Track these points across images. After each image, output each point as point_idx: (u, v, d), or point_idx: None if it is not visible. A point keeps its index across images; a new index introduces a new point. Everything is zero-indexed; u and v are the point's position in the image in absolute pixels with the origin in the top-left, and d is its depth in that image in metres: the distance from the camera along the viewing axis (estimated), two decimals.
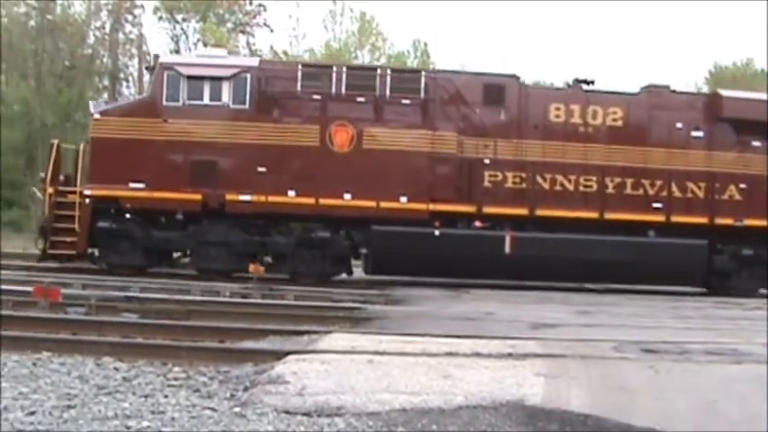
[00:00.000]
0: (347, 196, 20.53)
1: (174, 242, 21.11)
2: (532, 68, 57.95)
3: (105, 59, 44.55)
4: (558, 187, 21.20)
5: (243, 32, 48.69)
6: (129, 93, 41.66)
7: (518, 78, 21.96)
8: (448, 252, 20.51)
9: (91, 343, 10.05)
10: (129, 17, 44.81)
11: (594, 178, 21.30)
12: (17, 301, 13.46)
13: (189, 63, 21.48)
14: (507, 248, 20.79)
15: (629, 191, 21.37)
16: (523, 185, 21.14)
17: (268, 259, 20.97)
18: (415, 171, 20.76)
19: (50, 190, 20.52)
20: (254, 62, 22.30)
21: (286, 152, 20.57)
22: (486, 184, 21.05)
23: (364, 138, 20.72)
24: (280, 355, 9.22)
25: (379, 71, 21.78)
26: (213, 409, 7.08)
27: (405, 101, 20.94)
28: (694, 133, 21.67)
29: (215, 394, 7.96)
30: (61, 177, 21.06)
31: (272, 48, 46.05)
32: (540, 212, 21.05)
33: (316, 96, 20.82)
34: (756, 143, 21.70)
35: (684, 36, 72.28)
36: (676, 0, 65.31)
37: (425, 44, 48.67)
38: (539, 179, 21.14)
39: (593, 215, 21.13)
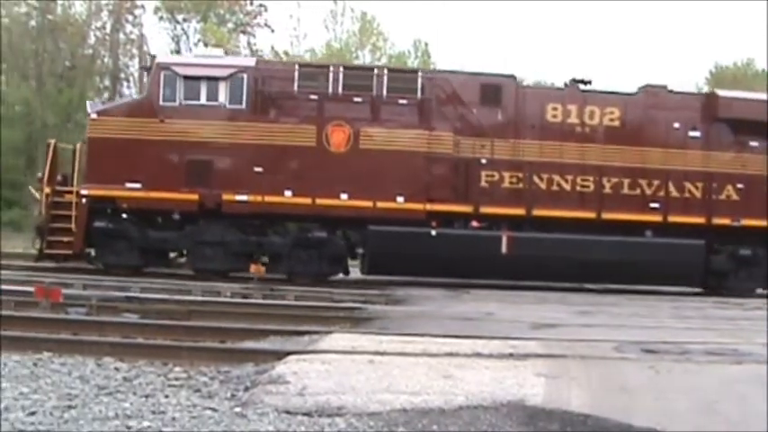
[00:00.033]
0: (344, 196, 20.39)
1: (170, 242, 20.99)
2: (533, 68, 58.32)
3: (106, 60, 44.47)
4: (555, 187, 21.06)
5: (244, 33, 48.60)
6: (129, 93, 41.47)
7: (515, 78, 21.88)
8: (445, 252, 20.38)
9: (92, 343, 10.02)
10: (130, 17, 44.80)
11: (591, 178, 21.16)
12: (18, 302, 13.40)
13: (186, 63, 21.38)
14: (504, 248, 20.66)
15: (626, 191, 21.24)
16: (520, 185, 21.00)
17: (265, 259, 20.84)
18: (412, 171, 20.63)
19: (47, 190, 20.38)
20: (251, 62, 22.22)
21: (283, 152, 20.47)
22: (483, 184, 20.91)
23: (361, 138, 20.59)
24: (280, 356, 9.18)
25: (375, 71, 21.71)
26: (214, 410, 7.06)
27: (401, 101, 20.81)
28: (691, 133, 21.54)
29: (216, 394, 7.93)
30: (59, 177, 20.94)
31: (272, 48, 46.12)
32: (536, 212, 20.91)
33: (312, 96, 20.70)
34: (754, 143, 21.57)
35: (685, 36, 72.39)
36: (677, 0, 64.70)
37: (426, 44, 48.74)
38: (536, 179, 21.01)
39: (591, 215, 21.00)
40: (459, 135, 20.89)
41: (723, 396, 7.75)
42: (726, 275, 21.69)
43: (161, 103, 20.38)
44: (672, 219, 21.19)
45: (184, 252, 21.46)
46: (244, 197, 20.23)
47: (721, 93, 23.01)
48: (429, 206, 20.59)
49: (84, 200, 20.19)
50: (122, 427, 6.37)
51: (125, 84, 43.64)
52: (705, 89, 40.33)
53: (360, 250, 21.21)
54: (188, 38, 46.61)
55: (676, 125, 21.47)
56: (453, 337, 10.73)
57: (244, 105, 20.49)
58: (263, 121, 20.60)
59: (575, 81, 21.90)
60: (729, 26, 73.19)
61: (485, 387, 7.68)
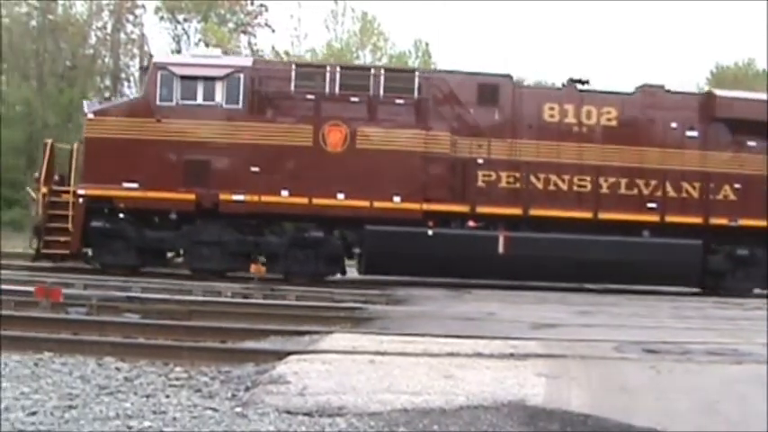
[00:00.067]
0: (340, 196, 20.28)
1: (167, 242, 20.89)
2: (534, 68, 57.96)
3: (107, 59, 44.43)
4: (551, 187, 20.93)
5: (244, 33, 48.52)
6: (130, 93, 41.30)
7: (512, 78, 21.78)
8: (441, 252, 20.28)
9: (92, 343, 9.97)
10: (131, 17, 44.76)
11: (589, 178, 21.03)
12: (19, 301, 13.36)
13: (182, 63, 21.21)
14: (501, 248, 20.53)
15: (623, 191, 21.11)
16: (517, 185, 20.87)
17: (261, 259, 20.67)
18: (409, 171, 20.50)
19: (44, 189, 20.30)
20: (248, 62, 22.08)
21: (279, 152, 20.35)
22: (480, 183, 20.79)
23: (358, 137, 20.47)
24: (281, 356, 9.13)
25: (372, 71, 21.58)
26: (215, 410, 7.02)
27: (398, 101, 20.69)
28: (689, 133, 21.40)
29: (216, 394, 7.89)
30: (56, 177, 20.86)
31: (273, 48, 46.01)
32: (533, 212, 20.79)
33: (309, 96, 20.60)
34: (751, 143, 21.42)
35: (686, 36, 72.00)
36: (679, 0, 64.29)
37: (427, 44, 48.61)
38: (532, 179, 20.89)
39: (587, 215, 20.87)
40: (456, 135, 20.76)
41: (724, 396, 7.70)
42: (723, 275, 21.54)
43: (158, 102, 20.27)
44: (669, 219, 21.05)
45: (181, 252, 21.34)
46: (241, 197, 20.13)
47: (719, 92, 22.87)
48: (426, 206, 20.46)
49: (81, 200, 20.10)
50: (123, 427, 6.35)
51: (126, 84, 43.61)
52: (706, 89, 39.91)
53: (357, 250, 21.08)
54: (189, 38, 46.67)
55: (674, 125, 21.33)
56: (454, 337, 10.68)
57: (240, 105, 20.38)
58: (260, 121, 20.48)
59: (572, 81, 21.75)
60: (730, 26, 73.12)
61: (486, 387, 7.64)
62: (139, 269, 20.54)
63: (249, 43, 47.85)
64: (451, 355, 9.29)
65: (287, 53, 43.80)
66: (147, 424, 6.42)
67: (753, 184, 21.23)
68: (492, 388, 7.61)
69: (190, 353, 9.57)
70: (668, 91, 21.76)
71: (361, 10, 48.07)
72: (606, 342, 10.67)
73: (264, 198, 20.16)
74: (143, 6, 45.22)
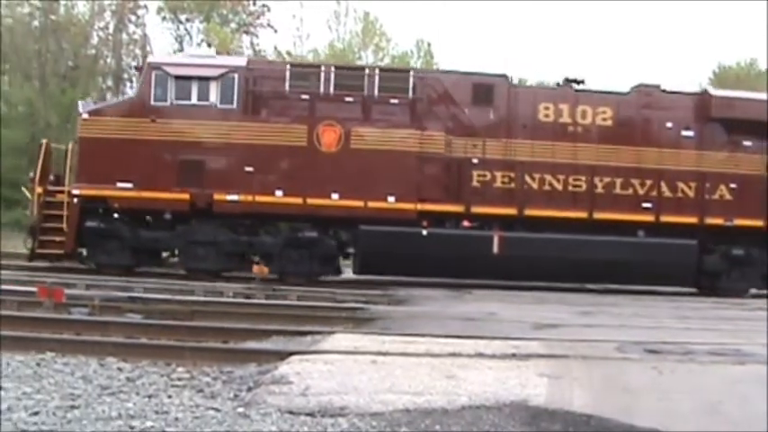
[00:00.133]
0: (335, 196, 19.99)
1: (162, 242, 20.65)
2: (536, 69, 57.40)
3: (109, 60, 44.08)
4: (546, 187, 20.61)
5: (246, 33, 48.23)
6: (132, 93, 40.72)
7: (507, 78, 21.47)
8: (436, 252, 20.00)
9: (94, 343, 9.92)
10: (133, 17, 44.48)
11: (584, 178, 20.70)
12: (21, 302, 13.29)
13: (177, 63, 20.97)
14: (495, 248, 20.22)
15: (618, 191, 20.77)
16: (512, 185, 20.55)
17: (256, 259, 20.39)
18: (403, 171, 20.20)
19: (39, 189, 20.11)
20: (242, 62, 21.75)
21: (274, 152, 20.10)
22: (475, 183, 20.47)
23: (352, 137, 20.19)
24: (283, 356, 9.08)
25: (367, 71, 21.31)
26: (217, 410, 6.98)
27: (393, 100, 20.40)
28: (685, 133, 21.04)
29: (219, 394, 7.85)
30: (51, 177, 20.66)
31: (275, 48, 45.68)
32: (528, 212, 20.47)
33: (304, 96, 20.31)
34: (747, 143, 21.07)
35: (689, 36, 71.50)
36: (681, 0, 63.83)
37: (429, 44, 48.07)
38: (527, 179, 20.57)
39: (582, 215, 20.55)
40: (451, 135, 20.46)
41: (726, 397, 7.59)
42: (719, 275, 21.21)
43: (152, 102, 20.01)
44: (664, 219, 20.72)
45: (176, 252, 21.08)
46: (235, 197, 19.86)
47: (714, 92, 22.62)
48: (420, 206, 20.18)
49: (75, 200, 19.86)
50: (125, 427, 6.31)
51: (128, 84, 43.06)
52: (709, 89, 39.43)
53: (351, 250, 20.81)
54: (191, 38, 46.33)
55: (669, 125, 20.99)
56: (456, 338, 10.58)
57: (235, 105, 20.09)
58: (255, 121, 20.22)
59: (567, 81, 21.49)
60: (732, 26, 72.48)
61: (487, 387, 7.58)
62: (134, 269, 20.30)
63: (251, 44, 47.68)
64: (453, 355, 9.22)
65: (289, 53, 43.36)
66: (149, 424, 6.39)
67: (749, 183, 20.89)
68: (494, 388, 7.55)
69: (192, 353, 9.50)
70: (664, 91, 21.41)
71: (363, 10, 47.77)
72: (608, 342, 10.56)
73: (259, 198, 19.89)
74: (145, 7, 45.14)
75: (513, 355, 9.22)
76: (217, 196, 19.78)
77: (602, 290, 20.65)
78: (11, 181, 35.57)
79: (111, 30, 43.83)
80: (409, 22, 72.33)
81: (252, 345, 10.50)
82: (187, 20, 46.79)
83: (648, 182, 20.69)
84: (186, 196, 19.80)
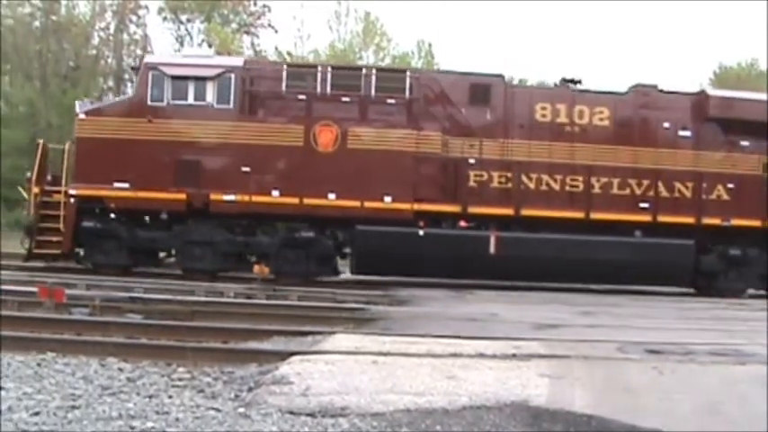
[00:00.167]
0: (331, 196, 19.81)
1: (159, 242, 20.51)
2: (538, 69, 57.25)
3: (110, 60, 44.07)
4: (543, 187, 20.43)
5: (247, 33, 48.16)
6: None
7: (503, 78, 21.31)
8: (432, 252, 19.84)
9: (95, 343, 9.89)
10: (134, 18, 44.51)
11: (581, 178, 20.53)
12: (22, 302, 13.22)
13: (173, 63, 20.73)
14: (492, 248, 20.03)
15: (615, 191, 20.59)
16: (509, 185, 20.38)
17: (253, 259, 20.32)
18: (400, 171, 20.00)
19: (36, 190, 19.97)
20: (239, 62, 21.56)
21: (270, 152, 19.91)
22: (472, 183, 20.30)
23: (349, 137, 20.01)
24: (284, 356, 9.05)
25: (364, 71, 21.18)
26: (217, 410, 6.97)
27: (390, 100, 20.24)
28: (682, 133, 20.86)
29: (219, 395, 7.83)
30: (49, 177, 20.55)
31: (276, 48, 45.39)
32: (525, 212, 20.28)
33: (300, 96, 20.16)
34: (744, 143, 20.88)
35: (690, 37, 71.16)
36: (682, 0, 63.60)
37: (430, 45, 47.79)
38: (524, 179, 20.39)
39: (579, 215, 20.36)
40: (448, 135, 20.29)
41: (727, 397, 7.56)
42: (716, 276, 21.04)
43: (149, 103, 19.84)
44: (661, 219, 20.54)
45: (173, 252, 20.94)
46: (231, 197, 19.69)
47: (712, 92, 22.53)
48: (417, 206, 20.00)
49: (72, 200, 19.72)
50: (126, 428, 6.29)
51: (129, 84, 42.71)
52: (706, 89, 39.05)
53: (347, 250, 20.66)
54: (192, 38, 46.28)
55: (666, 125, 20.82)
56: (457, 338, 10.52)
57: (231, 105, 19.93)
58: (251, 121, 20.05)
59: (564, 81, 21.37)
60: (734, 27, 72.14)
61: (488, 387, 7.54)
62: (131, 269, 20.15)
63: (252, 44, 47.54)
64: (454, 355, 9.18)
65: (290, 54, 43.05)
66: (149, 424, 6.38)
67: (746, 183, 20.72)
68: (495, 388, 7.52)
69: (193, 353, 9.46)
70: (661, 91, 21.24)
71: (364, 10, 47.40)
72: (609, 342, 10.49)
73: (255, 198, 19.73)
74: (146, 7, 45.13)
75: (514, 356, 9.18)
76: (213, 196, 19.62)
77: (603, 290, 20.47)
78: (11, 181, 35.31)
79: (112, 30, 43.89)
80: (410, 23, 72.15)
81: (253, 345, 10.46)
82: (188, 20, 46.77)
83: (645, 182, 20.51)
84: (183, 196, 19.63)
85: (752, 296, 20.77)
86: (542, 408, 6.90)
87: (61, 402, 7.00)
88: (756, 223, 20.56)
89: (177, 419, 6.57)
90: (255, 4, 47.80)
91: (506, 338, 10.57)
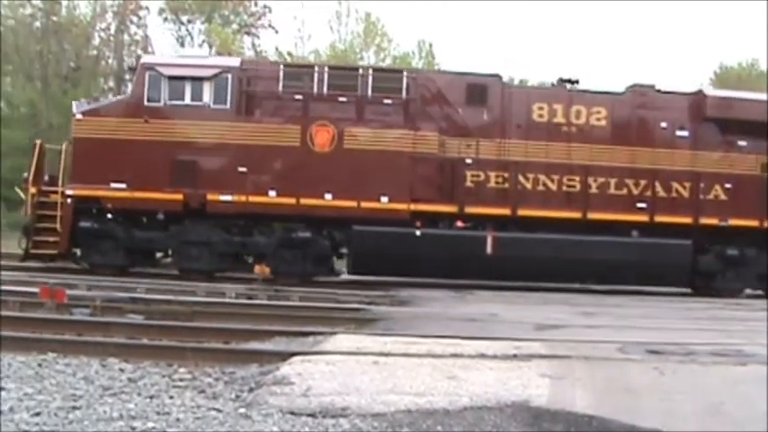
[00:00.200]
0: (328, 196, 19.64)
1: (155, 242, 20.35)
2: (537, 69, 56.96)
3: (111, 61, 43.74)
4: (540, 187, 20.26)
5: (248, 34, 47.86)
6: None
7: (500, 78, 21.14)
8: (429, 252, 19.68)
9: (96, 344, 9.84)
10: (135, 18, 44.16)
11: (578, 178, 20.36)
12: (23, 302, 13.13)
13: (170, 63, 20.56)
14: (489, 249, 19.86)
15: (612, 191, 20.41)
16: (506, 185, 20.22)
17: (250, 259, 20.21)
18: (397, 171, 19.83)
19: (33, 190, 19.84)
20: (236, 62, 21.40)
21: (267, 152, 19.75)
22: (468, 183, 20.13)
23: (345, 138, 19.85)
24: (285, 357, 9.00)
25: (360, 71, 21.03)
26: (218, 410, 6.94)
27: (386, 101, 20.06)
28: (679, 133, 20.67)
29: (220, 395, 7.79)
30: (46, 177, 20.41)
31: (277, 49, 45.10)
32: (522, 212, 20.11)
33: (297, 96, 20.01)
34: (742, 143, 20.69)
35: (691, 37, 70.71)
36: (683, 0, 63.20)
37: (430, 45, 47.37)
38: (521, 179, 20.23)
39: (576, 215, 20.19)
40: (445, 135, 20.12)
41: (728, 397, 7.49)
42: (713, 276, 20.87)
43: (146, 103, 19.69)
44: (659, 219, 20.37)
45: (170, 252, 20.78)
46: (228, 197, 19.53)
47: (709, 92, 22.32)
48: (413, 206, 19.84)
49: (69, 200, 19.56)
50: (127, 428, 6.27)
51: (129, 85, 42.21)
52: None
53: (344, 250, 20.47)
54: (192, 39, 45.95)
55: (664, 125, 20.64)
56: (457, 338, 10.44)
57: (228, 105, 19.76)
58: (248, 122, 19.91)
59: (561, 81, 21.18)
60: (734, 27, 71.71)
61: (489, 388, 7.50)
62: (128, 269, 20.02)
63: (253, 44, 47.27)
64: (455, 356, 9.12)
65: (290, 54, 42.68)
66: (150, 425, 6.36)
67: (743, 183, 20.54)
68: (496, 389, 7.48)
69: (193, 354, 9.40)
70: (659, 91, 21.07)
71: (364, 11, 46.91)
72: (610, 343, 10.40)
73: (252, 198, 19.57)
74: (147, 8, 44.79)
75: (515, 356, 9.12)
76: (210, 196, 19.46)
77: (603, 291, 20.29)
78: (12, 181, 35.09)
79: (112, 31, 43.60)
80: (411, 23, 71.73)
81: (254, 345, 10.39)
82: (189, 21, 46.50)
83: (643, 182, 20.34)
84: (180, 196, 19.48)
85: (749, 296, 20.59)
86: (543, 408, 6.86)
87: (62, 403, 6.98)
88: (754, 223, 20.38)
89: (178, 420, 6.56)
90: (256, 5, 47.56)
91: (507, 339, 10.50)
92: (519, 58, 61.27)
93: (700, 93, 21.51)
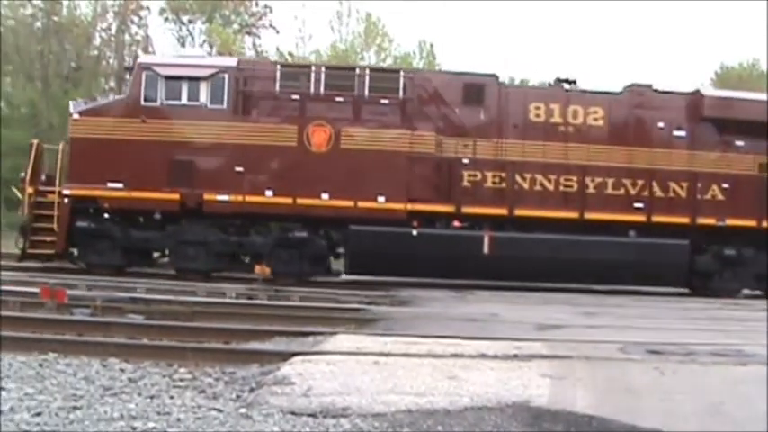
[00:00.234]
0: (325, 196, 19.48)
1: (152, 242, 20.21)
2: (539, 70, 56.67)
3: (111, 61, 43.30)
4: (537, 187, 20.08)
5: (249, 34, 47.60)
6: None
7: (497, 78, 20.98)
8: (426, 252, 19.51)
9: (97, 344, 9.78)
10: (136, 18, 43.92)
11: (575, 178, 20.17)
12: (24, 302, 13.05)
13: (167, 63, 20.45)
14: (486, 248, 19.67)
15: (609, 191, 20.22)
16: (503, 185, 20.03)
17: (246, 259, 20.05)
18: (394, 171, 19.67)
19: (30, 190, 19.76)
20: (233, 62, 21.24)
21: (264, 152, 19.62)
22: (465, 183, 19.95)
23: (342, 138, 19.71)
24: (285, 357, 8.95)
25: (357, 71, 20.83)
26: (219, 410, 6.91)
27: (383, 101, 19.90)
28: (676, 133, 20.49)
29: (221, 395, 7.75)
30: (43, 177, 20.29)
31: (278, 49, 44.91)
32: (519, 212, 19.93)
33: (294, 96, 19.85)
34: (739, 143, 20.49)
35: (691, 37, 70.39)
36: (684, 0, 62.91)
37: (431, 45, 47.12)
38: (518, 179, 20.05)
39: (573, 215, 20.00)
40: (442, 135, 19.97)
41: (728, 397, 7.44)
42: (711, 276, 20.68)
43: (142, 103, 19.54)
44: (656, 219, 20.16)
45: (167, 252, 20.60)
46: (225, 197, 19.39)
47: (706, 92, 22.04)
48: (410, 206, 19.69)
49: (66, 200, 19.43)
50: (127, 428, 6.24)
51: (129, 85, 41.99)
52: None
53: (341, 250, 20.28)
54: (193, 39, 45.70)
55: (661, 125, 20.46)
56: (458, 338, 10.37)
57: (225, 105, 19.60)
58: (245, 121, 19.75)
59: (559, 81, 21.01)
60: (735, 27, 71.42)
61: (490, 388, 7.46)
62: (125, 269, 19.89)
63: (254, 45, 47.01)
64: (455, 356, 9.07)
65: (291, 54, 42.42)
66: (151, 425, 6.33)
67: (741, 183, 20.36)
68: (496, 389, 7.45)
69: (194, 354, 9.35)
70: (656, 90, 20.91)
71: (365, 11, 46.62)
72: (611, 343, 10.32)
73: (249, 198, 19.42)
74: (148, 8, 44.54)
75: (516, 356, 9.07)
76: (207, 196, 19.32)
77: (604, 291, 20.14)
78: (12, 182, 34.84)
79: (113, 31, 43.38)
80: (412, 23, 71.44)
81: (254, 345, 10.33)
82: (189, 21, 46.22)
83: (640, 182, 20.16)
84: (176, 196, 19.34)
85: (747, 296, 20.40)
86: (544, 408, 6.83)
87: (63, 403, 6.95)
88: (751, 223, 20.19)
89: (178, 420, 6.53)
90: (257, 5, 47.28)
91: (508, 339, 10.43)
92: (520, 59, 61.01)
93: (697, 93, 21.32)
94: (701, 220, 20.15)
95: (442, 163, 19.78)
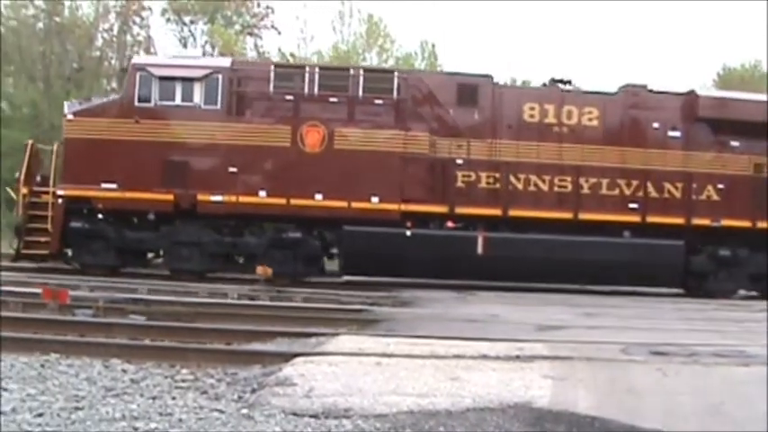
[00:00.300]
0: (318, 197, 19.21)
1: (146, 242, 19.95)
2: (539, 70, 56.09)
3: (113, 61, 42.72)
4: (531, 187, 19.78)
5: (251, 34, 47.15)
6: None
7: (491, 78, 20.57)
8: (420, 252, 19.25)
9: (99, 345, 9.62)
10: (137, 19, 43.35)
11: (569, 178, 19.88)
12: (26, 303, 12.86)
13: (161, 64, 20.16)
14: (480, 249, 19.35)
15: (604, 191, 19.91)
16: (497, 186, 19.76)
17: (240, 260, 19.84)
18: (387, 171, 19.40)
19: (24, 190, 19.44)
20: (226, 63, 20.97)
21: (257, 152, 19.35)
22: (459, 184, 19.68)
23: (336, 138, 19.44)
24: (287, 357, 8.78)
25: (351, 71, 20.55)
26: (221, 411, 6.79)
27: (377, 101, 19.64)
28: (671, 133, 20.16)
29: (223, 396, 7.61)
30: (38, 178, 20.01)
31: (279, 50, 44.34)
32: (513, 213, 19.64)
33: (288, 97, 19.58)
34: (734, 143, 20.16)
35: (694, 38, 69.92)
36: (686, 0, 62.36)
37: (433, 45, 46.52)
38: (512, 179, 19.77)
39: (568, 216, 19.71)
40: (436, 135, 19.68)
41: (730, 398, 7.28)
42: (706, 276, 20.36)
43: (136, 103, 19.29)
44: (651, 219, 19.86)
45: (161, 252, 20.41)
46: (218, 197, 19.13)
47: (701, 92, 21.78)
48: (404, 206, 19.42)
49: (60, 200, 19.18)
50: (129, 429, 6.15)
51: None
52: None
53: (335, 250, 20.04)
54: (195, 40, 45.20)
55: (656, 125, 20.14)
56: (460, 339, 10.20)
57: (219, 106, 19.33)
58: (239, 122, 19.49)
59: (553, 81, 20.71)
60: (738, 28, 70.83)
61: (491, 389, 7.33)
62: (119, 269, 19.61)
63: (256, 45, 46.67)
64: (457, 357, 8.89)
65: (293, 55, 41.89)
66: (153, 425, 6.23)
67: (736, 184, 20.06)
68: (498, 390, 7.32)
69: (196, 355, 9.22)
70: (651, 91, 20.59)
71: (367, 12, 46.14)
72: (613, 344, 10.10)
73: (242, 199, 19.17)
74: (149, 8, 44.05)
75: (518, 357, 8.91)
76: (201, 197, 19.06)
77: (605, 291, 19.85)
78: (12, 182, 34.34)
79: (115, 31, 42.91)
80: (414, 24, 70.96)
81: (256, 346, 10.14)
82: (191, 21, 45.74)
83: (635, 182, 19.87)
84: (170, 197, 19.09)
85: (744, 297, 20.12)
86: (545, 409, 6.72)
87: (65, 403, 6.85)
88: (746, 224, 19.87)
89: (180, 421, 6.43)
90: (259, 6, 46.65)
91: (509, 340, 10.24)
92: (522, 59, 60.22)
93: (692, 93, 21.02)
94: (697, 221, 19.86)
95: (435, 163, 19.51)
